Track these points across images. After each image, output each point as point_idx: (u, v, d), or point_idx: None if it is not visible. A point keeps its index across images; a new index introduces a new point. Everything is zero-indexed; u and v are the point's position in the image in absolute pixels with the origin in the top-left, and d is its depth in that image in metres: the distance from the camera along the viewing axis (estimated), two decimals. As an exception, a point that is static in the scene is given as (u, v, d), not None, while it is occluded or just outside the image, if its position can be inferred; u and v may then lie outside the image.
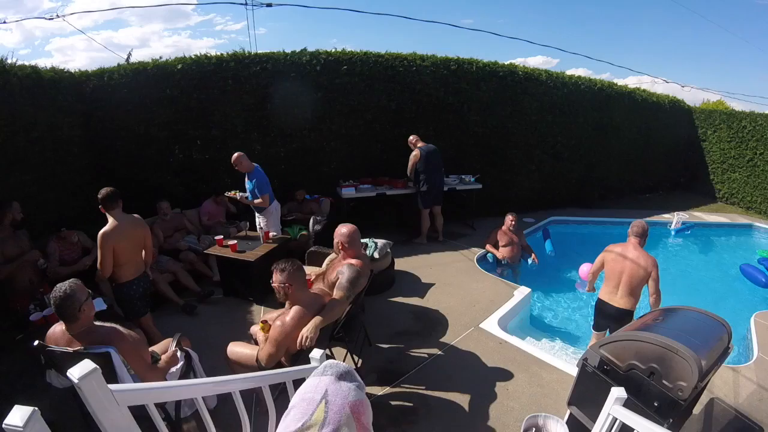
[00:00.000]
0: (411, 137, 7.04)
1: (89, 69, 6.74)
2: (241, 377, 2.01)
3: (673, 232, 9.08)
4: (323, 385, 1.15)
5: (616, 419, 1.84)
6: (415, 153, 6.87)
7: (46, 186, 5.34)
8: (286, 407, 1.12)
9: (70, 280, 2.73)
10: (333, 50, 7.36)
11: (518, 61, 8.85)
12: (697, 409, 2.53)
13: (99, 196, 3.77)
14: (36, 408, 1.00)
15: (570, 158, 9.79)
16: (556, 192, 9.99)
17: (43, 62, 5.59)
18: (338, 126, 7.54)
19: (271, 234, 5.63)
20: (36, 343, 2.72)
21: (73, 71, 6.55)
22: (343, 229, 3.71)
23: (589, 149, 10.00)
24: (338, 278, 3.42)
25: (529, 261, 6.67)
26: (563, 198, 10.18)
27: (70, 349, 2.64)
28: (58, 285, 2.65)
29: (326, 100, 7.30)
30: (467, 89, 8.03)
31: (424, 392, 3.67)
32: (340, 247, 3.71)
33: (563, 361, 4.17)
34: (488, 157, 8.70)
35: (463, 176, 7.98)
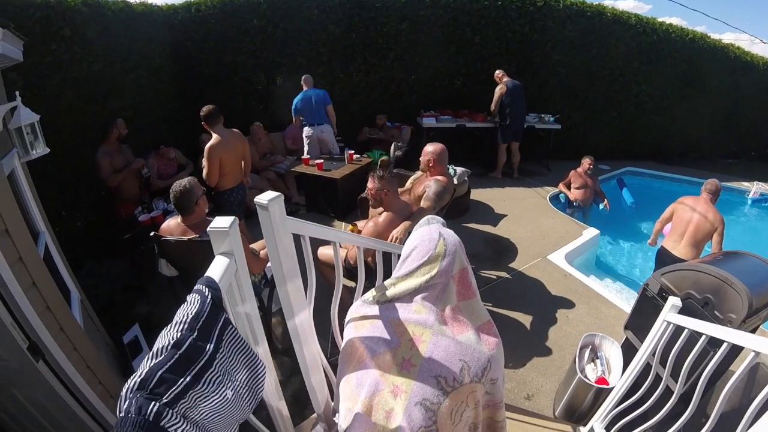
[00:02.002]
0: (497, 72, 7.03)
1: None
2: (370, 239, 2.36)
3: (749, 201, 8.54)
4: (435, 229, 1.42)
5: (670, 324, 1.96)
6: (501, 87, 6.88)
7: (141, 111, 5.70)
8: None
9: (189, 177, 3.04)
10: (419, -19, 7.29)
11: (607, 2, 8.38)
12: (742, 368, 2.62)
13: (201, 113, 4.08)
14: (236, 217, 1.24)
15: (653, 109, 9.34)
16: (635, 142, 9.67)
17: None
18: (421, 57, 7.58)
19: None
20: (152, 234, 3.04)
21: (161, 5, 6.82)
22: (431, 148, 3.85)
23: (673, 102, 9.45)
24: (425, 191, 3.62)
25: (601, 206, 6.61)
26: (642, 150, 9.85)
27: (185, 238, 2.94)
28: (177, 181, 2.94)
29: (410, 32, 7.33)
30: (553, 27, 7.79)
31: (490, 308, 3.91)
32: (429, 164, 3.85)
33: (623, 300, 4.27)
34: (570, 99, 8.52)
35: (542, 115, 7.90)
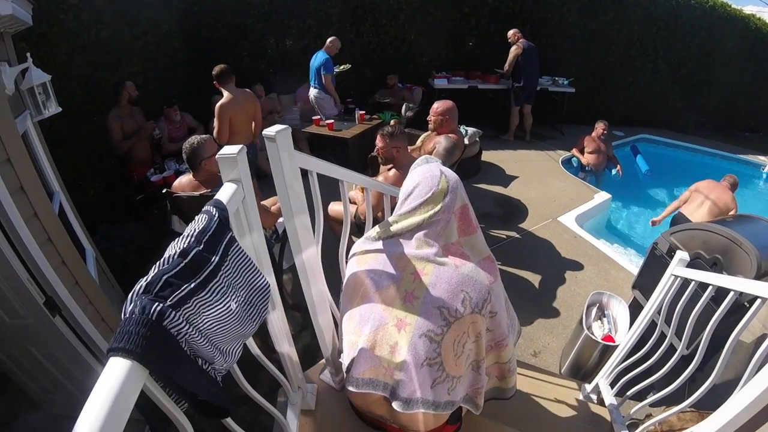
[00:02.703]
0: (511, 31, 6.87)
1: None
2: (377, 183, 2.44)
3: (764, 176, 8.37)
4: (436, 166, 1.42)
5: (677, 278, 1.94)
6: (517, 47, 6.76)
7: (150, 78, 5.74)
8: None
9: (205, 135, 3.08)
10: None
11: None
12: (749, 339, 2.62)
13: (214, 72, 4.14)
14: (244, 146, 1.24)
15: (670, 77, 9.11)
16: (651, 110, 9.46)
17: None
18: (433, 18, 7.47)
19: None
20: (165, 190, 3.09)
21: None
22: (442, 106, 3.82)
23: (691, 71, 9.20)
24: (435, 147, 3.62)
25: (613, 172, 6.55)
26: (658, 118, 9.61)
27: (197, 193, 2.97)
28: (192, 137, 2.99)
29: (422, -10, 7.20)
30: (569, -12, 7.60)
31: (499, 267, 3.91)
32: (445, 122, 3.82)
33: (632, 264, 4.27)
34: (585, 63, 8.34)
35: (556, 78, 7.77)
